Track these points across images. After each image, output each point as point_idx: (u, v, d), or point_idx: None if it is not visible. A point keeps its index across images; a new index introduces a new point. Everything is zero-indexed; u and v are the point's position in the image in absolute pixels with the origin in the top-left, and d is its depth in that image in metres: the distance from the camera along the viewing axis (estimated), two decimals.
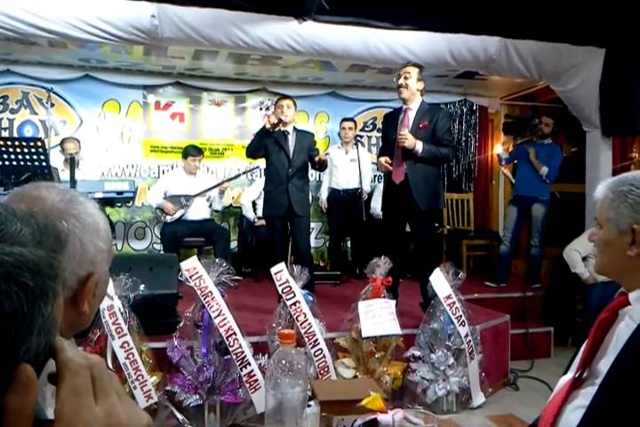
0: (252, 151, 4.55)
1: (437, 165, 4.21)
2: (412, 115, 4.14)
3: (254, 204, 6.09)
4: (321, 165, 4.53)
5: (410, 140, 3.93)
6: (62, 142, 5.63)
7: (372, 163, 6.24)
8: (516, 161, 6.20)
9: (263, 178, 6.20)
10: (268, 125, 4.30)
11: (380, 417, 1.29)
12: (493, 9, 4.69)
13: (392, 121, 4.21)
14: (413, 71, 4.10)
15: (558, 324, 5.07)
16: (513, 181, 7.17)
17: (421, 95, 4.18)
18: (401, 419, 1.14)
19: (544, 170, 5.62)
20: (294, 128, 4.60)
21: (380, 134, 6.11)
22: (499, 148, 7.21)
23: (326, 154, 4.65)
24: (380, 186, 5.39)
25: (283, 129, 4.46)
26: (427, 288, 3.82)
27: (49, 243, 0.53)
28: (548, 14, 4.78)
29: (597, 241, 1.38)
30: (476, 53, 4.90)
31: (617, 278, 1.37)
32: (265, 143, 4.45)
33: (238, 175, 5.91)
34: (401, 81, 4.08)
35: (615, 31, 5.02)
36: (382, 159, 4.08)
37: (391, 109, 4.71)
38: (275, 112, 4.58)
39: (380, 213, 4.66)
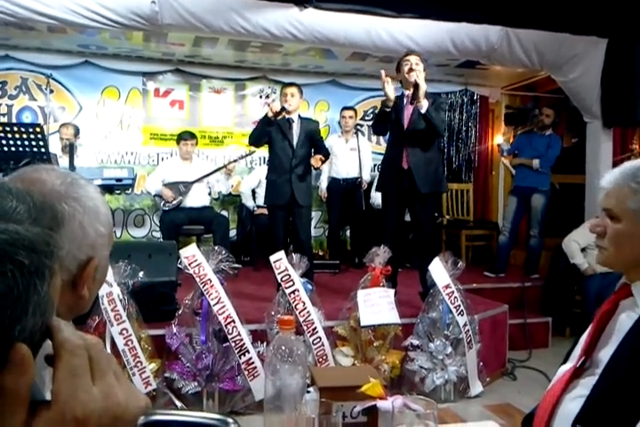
0: (255, 139, 4.45)
1: (437, 148, 4.25)
2: None
3: (254, 192, 6.08)
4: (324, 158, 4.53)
5: (422, 79, 3.93)
6: (60, 128, 5.61)
7: (373, 152, 6.22)
8: (516, 151, 6.18)
9: (263, 166, 6.21)
10: (270, 114, 4.20)
11: (380, 404, 1.29)
12: None
13: (397, 107, 4.17)
14: (421, 60, 4.10)
15: (556, 314, 5.08)
16: (513, 171, 7.14)
17: None
18: (401, 405, 1.14)
19: (535, 163, 5.63)
20: (299, 116, 4.52)
21: None
22: (499, 138, 7.19)
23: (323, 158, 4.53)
24: None
25: (287, 117, 4.39)
26: (426, 277, 3.82)
27: (45, 221, 0.52)
28: (550, 4, 4.76)
29: (613, 234, 1.31)
30: (477, 42, 4.88)
31: (627, 270, 1.32)
32: (268, 131, 4.36)
33: (237, 160, 5.87)
34: (414, 66, 4.06)
35: (617, 21, 5.00)
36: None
37: None
38: (280, 100, 4.54)
39: (380, 203, 4.64)
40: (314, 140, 4.49)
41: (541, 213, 5.65)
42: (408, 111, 4.09)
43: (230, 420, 0.44)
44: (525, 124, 6.82)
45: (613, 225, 1.31)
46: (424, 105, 3.95)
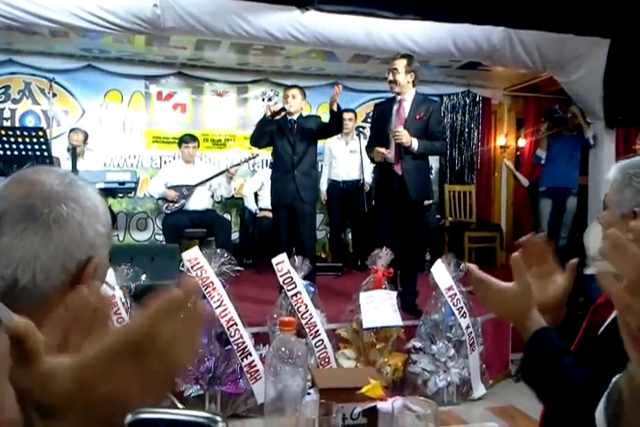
0: (256, 139, 4.53)
1: (426, 157, 4.25)
2: (407, 105, 4.12)
3: (256, 195, 6.08)
4: (337, 123, 4.39)
5: (406, 137, 3.94)
6: (70, 133, 5.66)
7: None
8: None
9: (265, 169, 6.23)
10: (268, 113, 4.30)
11: (380, 405, 1.28)
12: None
13: (386, 112, 4.18)
14: (400, 65, 4.04)
15: None
16: (515, 173, 7.13)
17: (414, 86, 4.14)
18: (400, 407, 1.14)
19: None
20: (300, 115, 4.54)
21: None
22: (501, 139, 7.17)
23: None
24: None
25: (289, 118, 4.44)
26: (411, 280, 3.96)
27: None
28: (552, 4, 4.75)
29: (603, 223, 1.35)
30: (479, 43, 4.88)
31: None
32: (269, 131, 4.43)
33: (239, 163, 5.87)
34: (390, 78, 4.07)
35: (620, 22, 4.99)
36: (382, 149, 4.06)
37: None
38: (282, 101, 4.58)
39: None
40: (319, 127, 4.45)
41: (573, 214, 5.67)
42: (400, 118, 4.10)
43: (219, 418, 0.44)
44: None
45: (605, 215, 1.34)
46: (414, 147, 3.97)
